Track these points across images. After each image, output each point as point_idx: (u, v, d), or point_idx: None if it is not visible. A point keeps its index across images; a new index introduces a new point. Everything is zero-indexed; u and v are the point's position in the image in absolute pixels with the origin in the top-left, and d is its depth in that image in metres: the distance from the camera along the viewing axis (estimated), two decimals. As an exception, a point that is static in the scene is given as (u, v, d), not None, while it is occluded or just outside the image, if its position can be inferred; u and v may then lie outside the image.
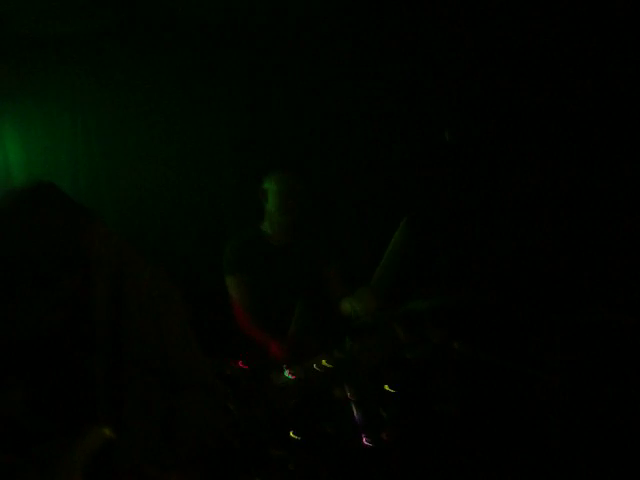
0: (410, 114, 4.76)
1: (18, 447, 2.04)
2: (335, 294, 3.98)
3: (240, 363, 3.37)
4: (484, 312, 4.05)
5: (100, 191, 4.75)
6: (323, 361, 3.14)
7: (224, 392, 2.27)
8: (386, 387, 3.26)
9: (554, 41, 4.38)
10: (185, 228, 4.73)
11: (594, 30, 4.25)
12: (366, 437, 3.05)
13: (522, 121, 4.50)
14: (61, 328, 2.02)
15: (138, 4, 4.04)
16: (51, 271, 1.94)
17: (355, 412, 3.08)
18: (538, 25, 4.36)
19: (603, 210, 4.28)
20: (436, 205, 4.64)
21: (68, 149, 4.73)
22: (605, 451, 3.44)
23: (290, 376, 3.13)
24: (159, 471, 1.99)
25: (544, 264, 4.30)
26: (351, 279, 4.03)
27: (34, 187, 2.03)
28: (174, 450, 2.03)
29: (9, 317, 1.96)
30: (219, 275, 4.07)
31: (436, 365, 3.37)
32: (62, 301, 1.99)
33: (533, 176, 4.51)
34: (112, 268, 2.10)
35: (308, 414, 3.13)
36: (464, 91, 4.66)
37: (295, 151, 4.76)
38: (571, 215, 4.37)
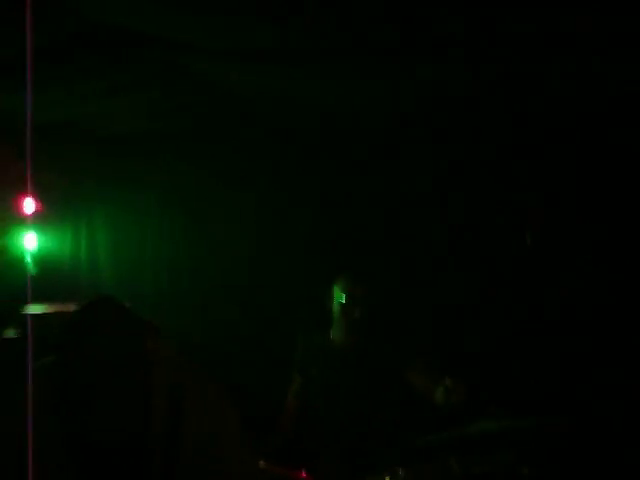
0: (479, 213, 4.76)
1: None
2: (425, 389, 3.81)
3: (303, 474, 3.32)
4: (558, 436, 3.91)
5: (181, 283, 4.87)
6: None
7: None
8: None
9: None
10: (252, 328, 4.78)
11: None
12: None
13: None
14: (124, 440, 2.05)
15: (217, 106, 4.19)
16: (114, 385, 1.99)
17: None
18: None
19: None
20: (511, 318, 4.57)
21: (153, 243, 4.89)
22: None
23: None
24: None
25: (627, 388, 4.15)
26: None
27: (98, 300, 2.12)
28: None
29: (77, 429, 2.01)
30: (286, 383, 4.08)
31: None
32: (124, 415, 2.02)
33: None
34: (170, 381, 2.15)
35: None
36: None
37: (366, 253, 4.80)
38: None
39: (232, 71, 3.70)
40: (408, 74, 3.78)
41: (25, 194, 4.10)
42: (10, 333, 4.00)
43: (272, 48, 3.36)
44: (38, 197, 4.22)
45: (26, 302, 3.64)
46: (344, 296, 3.88)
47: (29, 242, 4.31)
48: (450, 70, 3.71)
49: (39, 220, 4.36)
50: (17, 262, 4.23)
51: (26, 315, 3.90)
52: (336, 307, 3.94)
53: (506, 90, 4.04)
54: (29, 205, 4.23)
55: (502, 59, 3.57)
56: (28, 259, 4.25)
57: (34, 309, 3.95)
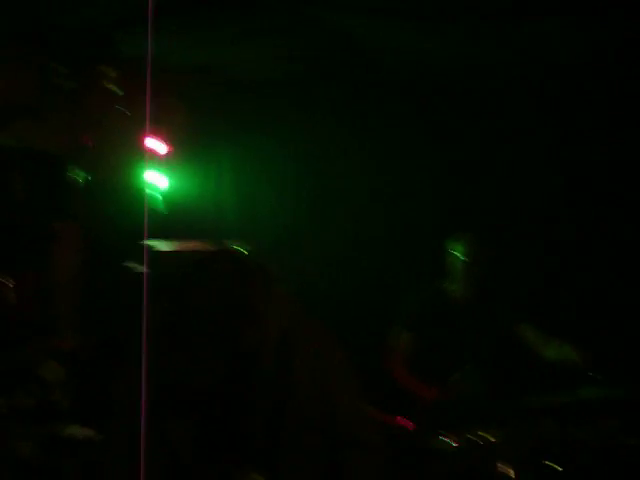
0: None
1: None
2: (535, 345, 3.95)
3: (399, 419, 3.39)
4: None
5: (302, 230, 4.98)
6: (485, 434, 3.12)
7: (387, 451, 2.32)
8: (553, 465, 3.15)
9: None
10: (357, 276, 4.84)
11: None
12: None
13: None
14: (232, 378, 2.18)
15: (342, 56, 4.23)
16: (229, 327, 2.11)
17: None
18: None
19: None
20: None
21: (277, 187, 5.01)
22: None
23: (450, 442, 3.13)
24: None
25: None
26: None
27: (219, 252, 2.24)
28: None
29: (191, 365, 2.15)
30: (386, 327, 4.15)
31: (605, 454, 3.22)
32: (236, 354, 2.15)
33: None
34: (281, 327, 2.25)
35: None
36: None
37: (485, 211, 4.78)
38: None
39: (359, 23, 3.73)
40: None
41: (156, 134, 4.27)
42: (139, 268, 4.19)
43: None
44: (170, 139, 4.40)
45: (151, 238, 3.80)
46: (469, 254, 4.00)
47: (159, 181, 4.50)
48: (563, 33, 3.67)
49: (169, 160, 4.53)
50: (146, 200, 4.41)
51: (151, 251, 4.08)
52: (457, 264, 4.04)
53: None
54: (159, 145, 4.40)
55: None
56: (158, 197, 4.43)
57: (159, 246, 4.12)
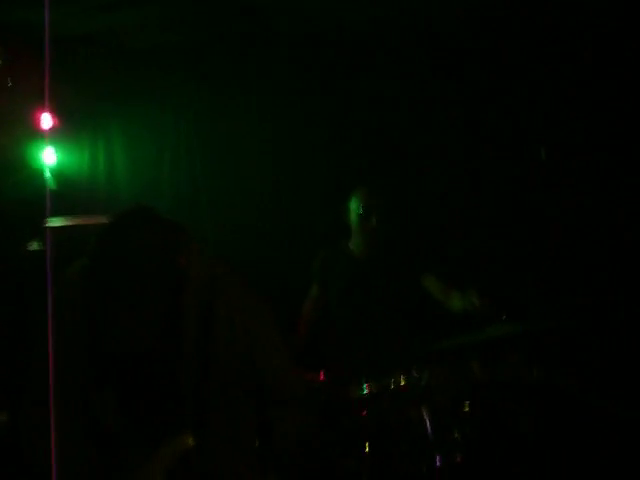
0: (495, 124, 4.78)
1: (107, 451, 2.17)
2: (440, 296, 4.02)
3: (321, 376, 3.45)
4: (567, 339, 4.01)
5: (199, 197, 4.92)
6: (401, 379, 3.20)
7: (316, 406, 2.35)
8: (465, 408, 3.27)
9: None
10: (275, 238, 4.85)
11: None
12: (440, 458, 3.08)
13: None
14: (156, 342, 2.13)
15: (235, 21, 4.19)
16: (150, 289, 2.05)
17: (429, 432, 3.12)
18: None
19: None
20: (522, 222, 4.63)
21: (170, 155, 4.93)
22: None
23: (367, 390, 3.21)
24: (255, 476, 2.08)
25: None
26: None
27: (134, 210, 2.15)
28: (270, 459, 2.11)
29: (112, 331, 2.08)
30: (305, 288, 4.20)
31: (513, 390, 3.36)
32: (159, 316, 2.09)
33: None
34: (204, 285, 2.22)
35: (383, 431, 3.18)
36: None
37: (386, 163, 4.87)
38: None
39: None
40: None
41: (43, 109, 4.12)
42: (34, 246, 4.07)
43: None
44: (56, 112, 4.26)
45: (46, 215, 3.69)
46: (361, 207, 4.05)
47: (48, 157, 4.36)
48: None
49: (57, 135, 4.39)
50: (36, 176, 4.28)
51: (47, 228, 3.96)
52: (354, 218, 4.11)
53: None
54: (47, 120, 4.26)
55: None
56: (47, 173, 4.30)
57: (54, 222, 4.01)
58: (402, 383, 3.17)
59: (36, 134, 4.26)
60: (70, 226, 4.06)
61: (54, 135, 4.36)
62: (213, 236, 4.76)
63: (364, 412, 3.17)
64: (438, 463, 3.07)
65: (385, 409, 3.20)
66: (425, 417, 3.12)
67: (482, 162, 4.80)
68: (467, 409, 3.22)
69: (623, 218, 4.51)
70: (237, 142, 4.93)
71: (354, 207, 4.08)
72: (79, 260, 2.22)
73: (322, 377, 3.43)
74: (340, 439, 3.14)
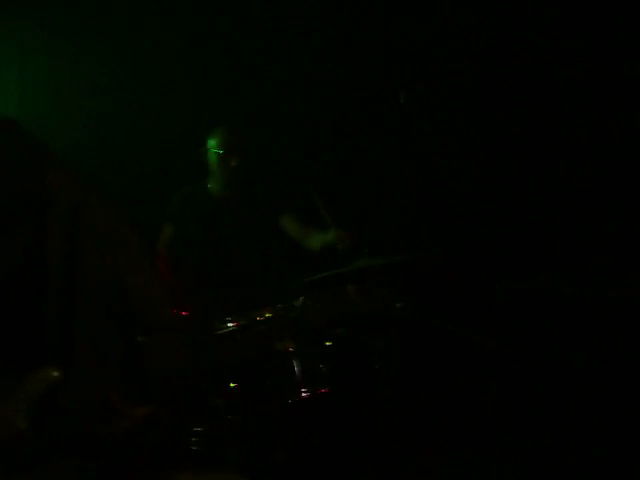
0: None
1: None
2: (298, 236, 4.06)
3: (183, 312, 3.38)
4: (430, 272, 4.11)
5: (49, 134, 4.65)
6: (266, 313, 3.17)
7: (185, 337, 2.26)
8: (328, 343, 3.29)
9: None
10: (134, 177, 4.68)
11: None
12: (305, 390, 3.09)
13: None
14: (18, 269, 1.99)
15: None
16: (14, 208, 1.90)
17: (295, 366, 3.12)
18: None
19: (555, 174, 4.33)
20: (389, 159, 4.68)
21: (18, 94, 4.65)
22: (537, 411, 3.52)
23: (232, 324, 3.16)
24: (127, 405, 1.99)
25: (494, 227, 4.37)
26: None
27: None
28: (142, 387, 2.03)
29: None
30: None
31: (378, 323, 3.41)
32: (20, 242, 1.95)
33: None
34: (72, 208, 2.08)
35: (249, 365, 3.15)
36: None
37: (249, 104, 4.77)
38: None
39: None
40: None
41: None
42: None
43: None
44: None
45: None
46: (222, 145, 4.00)
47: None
48: None
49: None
50: None
51: None
52: (213, 157, 4.05)
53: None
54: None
55: None
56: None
57: None
58: (268, 315, 3.15)
59: None
60: None
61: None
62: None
63: (229, 346, 3.12)
64: (303, 395, 3.08)
65: (251, 343, 3.16)
66: (291, 350, 3.12)
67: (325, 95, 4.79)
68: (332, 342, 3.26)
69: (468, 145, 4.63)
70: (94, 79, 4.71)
71: (214, 145, 4.02)
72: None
73: (186, 312, 3.38)
74: (205, 375, 3.08)
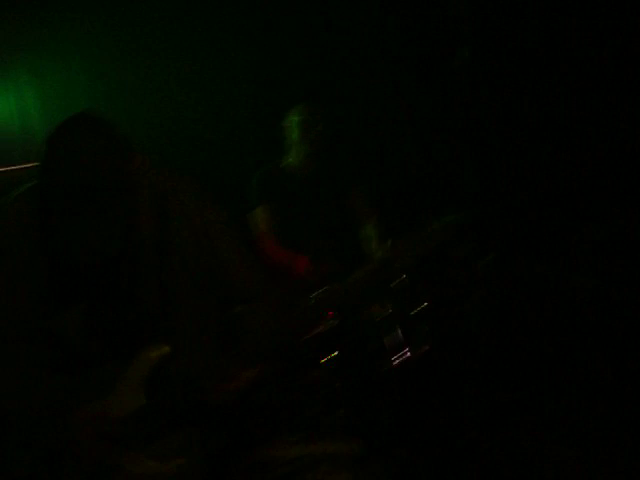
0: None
1: (76, 369, 2.08)
2: (360, 215, 4.05)
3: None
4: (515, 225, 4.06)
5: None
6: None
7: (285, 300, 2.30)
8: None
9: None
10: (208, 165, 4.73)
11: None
12: (409, 350, 3.09)
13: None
14: (117, 252, 2.04)
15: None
16: (106, 193, 1.93)
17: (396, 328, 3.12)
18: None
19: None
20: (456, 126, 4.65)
21: (84, 94, 4.72)
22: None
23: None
24: (234, 369, 2.03)
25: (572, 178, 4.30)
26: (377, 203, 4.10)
27: (79, 116, 2.01)
28: (243, 352, 2.06)
29: (70, 243, 1.97)
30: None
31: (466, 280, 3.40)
32: (118, 221, 1.99)
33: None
34: (159, 189, 2.13)
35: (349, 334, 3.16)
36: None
37: (317, 82, 4.78)
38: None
39: None
40: None
41: None
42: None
43: None
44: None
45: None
46: (306, 113, 4.01)
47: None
48: None
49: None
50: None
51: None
52: (295, 129, 4.03)
53: None
54: None
55: None
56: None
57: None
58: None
59: None
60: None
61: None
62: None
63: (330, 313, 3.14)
64: (408, 354, 3.08)
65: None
66: (390, 311, 3.12)
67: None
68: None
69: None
70: (156, 72, 4.76)
71: (296, 118, 4.02)
72: (17, 189, 2.12)
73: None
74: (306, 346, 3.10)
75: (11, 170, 4.24)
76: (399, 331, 3.11)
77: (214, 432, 2.16)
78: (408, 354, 3.08)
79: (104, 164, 1.93)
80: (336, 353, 3.08)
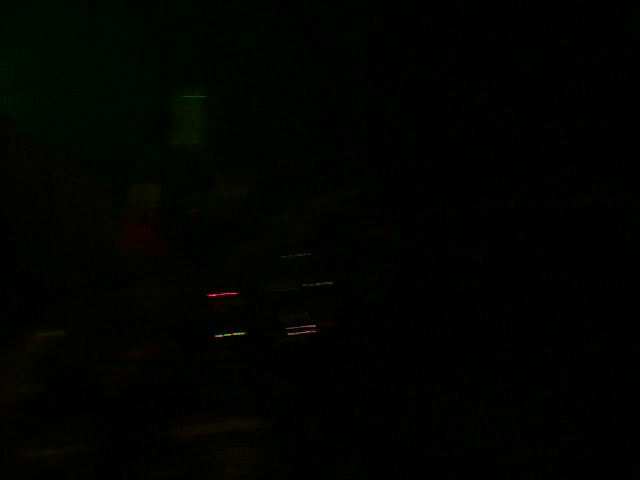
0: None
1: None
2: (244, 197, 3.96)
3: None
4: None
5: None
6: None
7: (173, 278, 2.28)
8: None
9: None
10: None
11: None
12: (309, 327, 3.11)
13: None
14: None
15: None
16: None
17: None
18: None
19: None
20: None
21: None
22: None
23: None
24: (121, 349, 2.01)
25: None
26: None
27: None
28: (133, 330, 2.04)
29: None
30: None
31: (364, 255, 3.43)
32: None
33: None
34: (35, 167, 2.07)
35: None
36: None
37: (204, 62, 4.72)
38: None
39: None
40: None
41: None
42: None
43: None
44: None
45: None
46: (193, 92, 3.94)
47: None
48: None
49: None
50: None
51: None
52: (184, 107, 3.96)
53: None
54: None
55: None
56: None
57: None
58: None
59: None
60: None
61: None
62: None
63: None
64: (311, 331, 3.10)
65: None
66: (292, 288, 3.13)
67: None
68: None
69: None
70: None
71: (185, 97, 3.94)
72: None
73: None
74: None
75: None
76: (302, 307, 3.12)
77: (110, 416, 2.13)
78: (310, 330, 3.10)
79: None
80: (238, 331, 3.07)
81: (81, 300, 2.11)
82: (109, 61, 4.65)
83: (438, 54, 4.36)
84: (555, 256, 3.63)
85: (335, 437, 3.13)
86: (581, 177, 3.76)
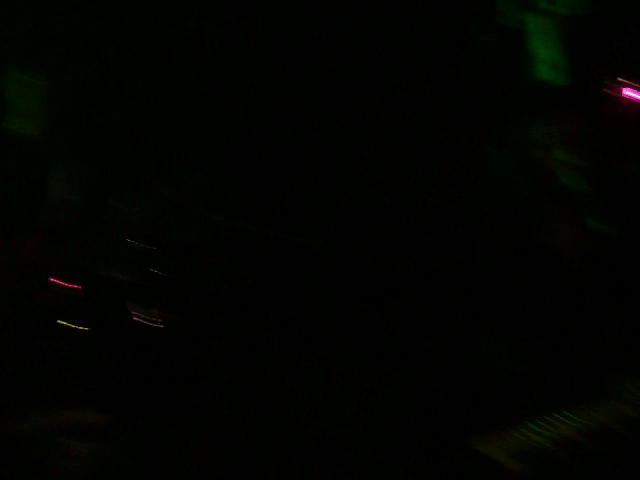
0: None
1: None
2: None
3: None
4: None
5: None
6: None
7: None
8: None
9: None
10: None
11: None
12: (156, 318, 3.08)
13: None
14: None
15: None
16: None
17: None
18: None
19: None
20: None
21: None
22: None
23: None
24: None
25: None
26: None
27: None
28: None
29: None
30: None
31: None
32: None
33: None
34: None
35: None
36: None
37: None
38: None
39: None
40: None
41: None
42: None
43: None
44: None
45: None
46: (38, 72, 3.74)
47: None
48: None
49: None
50: None
51: None
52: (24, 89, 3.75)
53: None
54: None
55: None
56: None
57: None
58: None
59: None
60: None
61: None
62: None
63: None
64: (156, 324, 3.08)
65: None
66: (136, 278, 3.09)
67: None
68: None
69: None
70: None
71: (25, 77, 3.72)
72: None
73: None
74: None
75: None
76: (147, 297, 3.09)
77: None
78: (156, 320, 3.07)
79: None
80: (81, 320, 3.00)
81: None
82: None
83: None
84: (391, 251, 3.77)
85: (179, 430, 3.11)
86: (416, 175, 3.92)
